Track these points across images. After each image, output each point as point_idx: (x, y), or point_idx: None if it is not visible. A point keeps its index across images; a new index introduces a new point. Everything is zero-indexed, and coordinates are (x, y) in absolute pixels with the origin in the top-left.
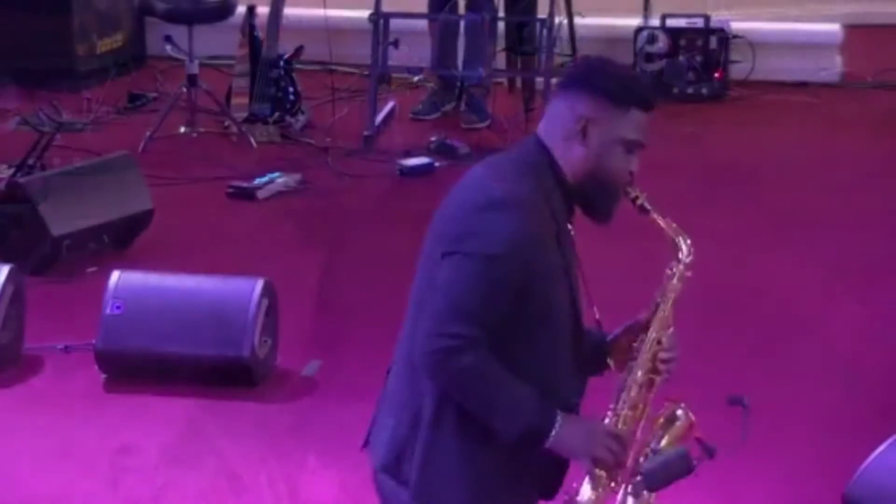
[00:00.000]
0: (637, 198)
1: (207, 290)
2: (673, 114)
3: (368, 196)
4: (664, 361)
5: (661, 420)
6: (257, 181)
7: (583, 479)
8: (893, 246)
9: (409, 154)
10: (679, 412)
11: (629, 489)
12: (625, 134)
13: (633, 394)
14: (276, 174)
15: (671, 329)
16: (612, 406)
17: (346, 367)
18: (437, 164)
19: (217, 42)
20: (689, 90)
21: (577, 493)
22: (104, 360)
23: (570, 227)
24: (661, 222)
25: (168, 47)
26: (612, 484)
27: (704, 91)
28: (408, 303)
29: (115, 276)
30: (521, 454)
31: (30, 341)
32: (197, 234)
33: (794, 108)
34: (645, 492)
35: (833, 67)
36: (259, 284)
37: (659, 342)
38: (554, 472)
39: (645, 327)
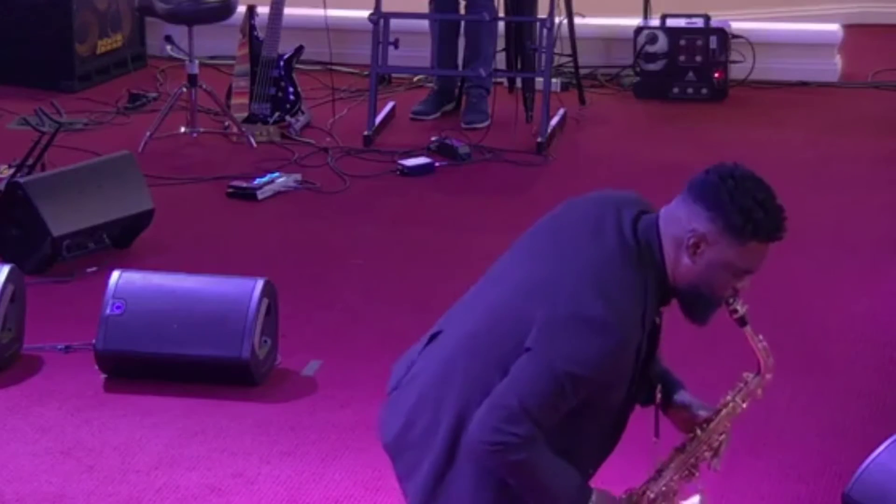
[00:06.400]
0: (736, 311)
1: (207, 291)
2: (673, 114)
3: (368, 196)
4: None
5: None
6: (257, 181)
7: None
8: (893, 246)
9: (409, 154)
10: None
11: None
12: (737, 263)
13: (670, 480)
14: (276, 174)
15: (724, 436)
16: (648, 484)
17: (346, 367)
18: (437, 164)
19: (217, 42)
20: (689, 90)
21: None
22: (104, 360)
23: (657, 319)
24: (753, 339)
25: (168, 47)
26: None
27: (704, 91)
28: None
29: (115, 276)
30: None
31: (30, 341)
32: (197, 235)
33: (794, 108)
34: None
35: (832, 67)
36: (259, 284)
37: (709, 447)
38: None
39: (706, 422)
